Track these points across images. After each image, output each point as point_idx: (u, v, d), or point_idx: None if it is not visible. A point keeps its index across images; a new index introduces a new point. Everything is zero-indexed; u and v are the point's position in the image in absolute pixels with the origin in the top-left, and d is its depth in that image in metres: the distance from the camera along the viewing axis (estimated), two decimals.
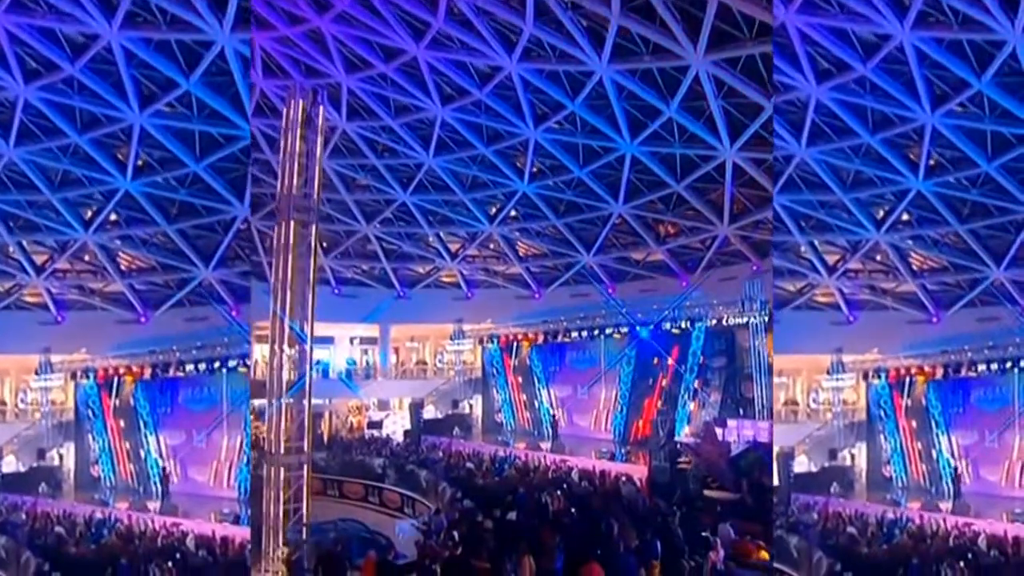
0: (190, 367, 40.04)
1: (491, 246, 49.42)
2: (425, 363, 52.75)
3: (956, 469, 39.73)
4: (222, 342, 39.62)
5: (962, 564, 25.98)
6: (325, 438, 48.62)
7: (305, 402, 30.68)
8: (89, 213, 40.83)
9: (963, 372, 40.71)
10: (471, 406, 51.36)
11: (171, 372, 40.42)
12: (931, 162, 36.32)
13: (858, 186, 38.87)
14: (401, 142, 41.72)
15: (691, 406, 44.39)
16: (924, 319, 43.93)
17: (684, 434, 42.44)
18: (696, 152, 38.84)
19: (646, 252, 47.40)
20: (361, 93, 38.93)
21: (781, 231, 41.32)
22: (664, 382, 45.30)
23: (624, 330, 46.12)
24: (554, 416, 48.08)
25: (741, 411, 42.18)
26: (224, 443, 39.55)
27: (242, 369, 39.23)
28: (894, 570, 27.21)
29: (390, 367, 52.48)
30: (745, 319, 42.42)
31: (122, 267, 43.93)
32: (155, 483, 40.29)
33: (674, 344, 44.71)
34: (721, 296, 43.68)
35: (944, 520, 32.96)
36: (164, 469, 39.65)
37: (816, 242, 42.73)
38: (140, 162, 37.49)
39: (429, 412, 50.62)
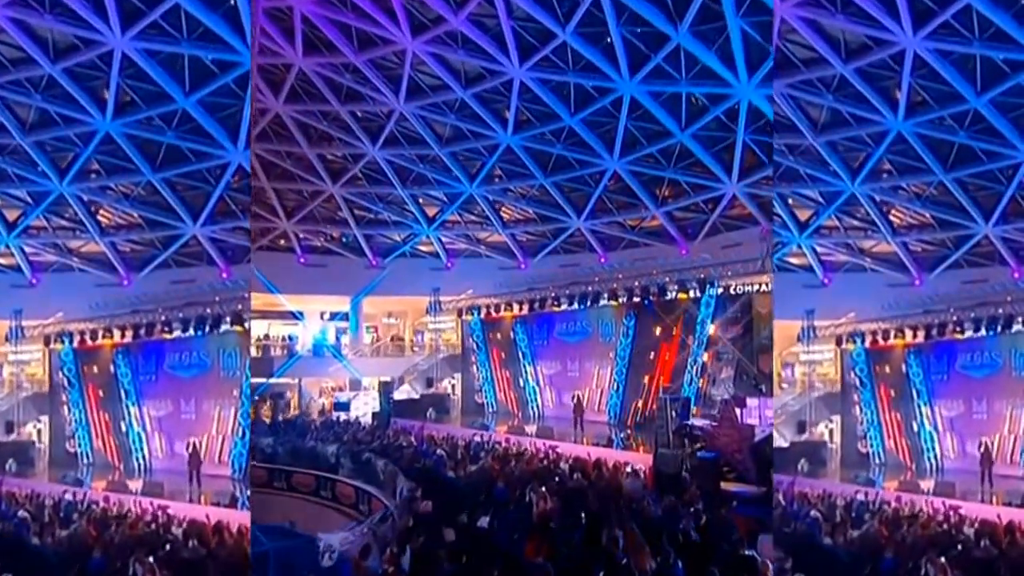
0: (177, 329, 36.37)
1: (472, 211, 44.74)
2: (401, 339, 48.79)
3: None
4: (213, 300, 36.06)
5: (944, 560, 21.33)
6: (280, 421, 44.62)
7: None
8: (65, 161, 36.10)
9: (947, 334, 36.43)
10: (452, 385, 47.26)
11: (156, 334, 36.75)
12: (912, 98, 31.79)
13: (831, 128, 34.31)
14: (367, 83, 37.21)
15: (700, 383, 39.54)
16: (906, 282, 39.14)
17: (692, 415, 36.86)
18: (706, 90, 34.39)
19: (642, 216, 42.57)
20: (318, 21, 34.57)
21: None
22: (668, 356, 40.82)
23: (621, 298, 41.51)
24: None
25: (763, 388, 37.31)
26: (217, 414, 36.06)
27: (237, 329, 35.51)
28: (860, 567, 22.84)
29: (362, 343, 48.07)
30: (763, 283, 37.44)
31: (102, 223, 39.43)
32: (138, 459, 37.18)
33: (679, 313, 40.51)
34: (734, 257, 38.80)
35: (927, 503, 29.13)
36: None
37: (785, 194, 38.10)
38: (121, 98, 33.08)
39: (405, 392, 46.61)
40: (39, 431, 38.45)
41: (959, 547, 22.82)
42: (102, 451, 37.57)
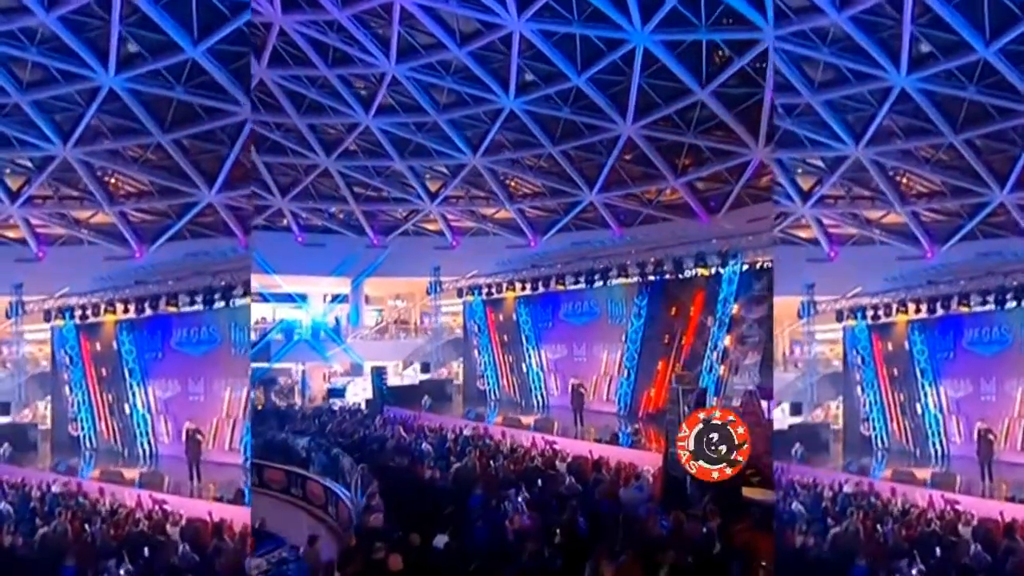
0: (184, 302, 33.62)
1: (479, 185, 42.29)
2: (406, 322, 47.16)
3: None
4: (224, 268, 33.89)
5: (916, 571, 19.06)
6: (273, 409, 42.69)
7: None
8: (68, 122, 34.17)
9: (953, 307, 33.68)
10: (459, 371, 45.16)
11: (161, 307, 33.97)
12: (916, 50, 29.96)
13: (830, 86, 32.43)
14: (355, 43, 34.78)
15: (720, 370, 35.58)
16: (917, 255, 37.36)
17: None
18: (729, 36, 32.07)
19: (661, 188, 40.02)
20: None
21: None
22: (684, 339, 37.18)
23: (633, 275, 38.27)
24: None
25: None
26: (227, 395, 33.64)
27: (250, 301, 33.98)
28: (828, 573, 20.33)
29: (363, 326, 46.53)
30: None
31: (111, 191, 37.72)
32: (142, 444, 34.43)
33: (698, 290, 37.00)
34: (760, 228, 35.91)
35: (923, 496, 26.38)
36: None
37: (784, 160, 36.06)
38: (125, 49, 31.63)
39: (405, 377, 45.20)
40: (42, 413, 36.84)
41: (940, 552, 20.36)
42: (105, 435, 35.30)
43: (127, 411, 34.83)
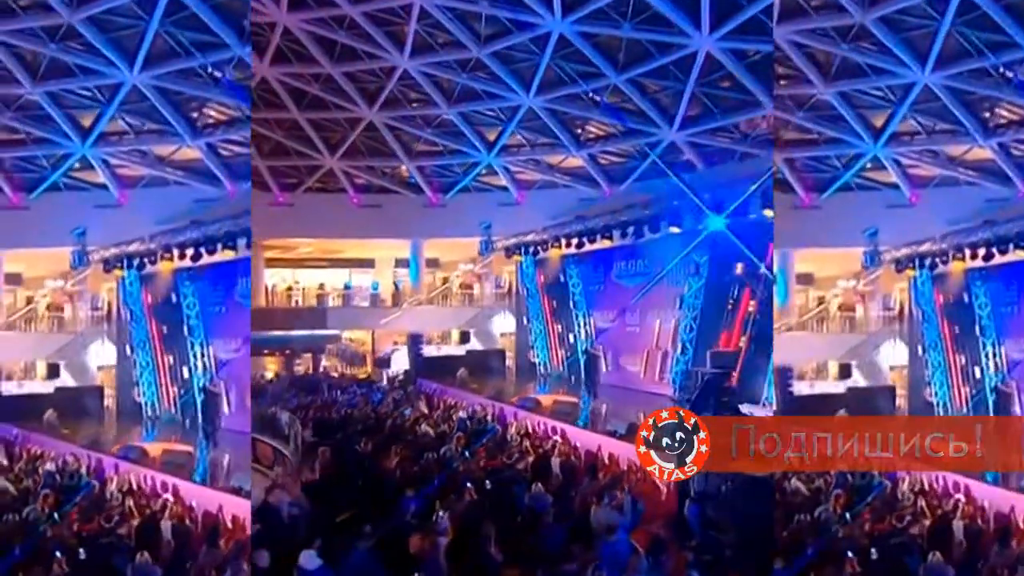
0: (243, 246, 31.13)
1: (540, 131, 38.94)
2: (471, 287, 45.43)
3: None
4: None
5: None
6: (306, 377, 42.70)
7: None
8: (131, 42, 31.24)
9: (1011, 252, 31.03)
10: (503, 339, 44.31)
11: (219, 252, 31.57)
12: None
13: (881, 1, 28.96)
14: None
15: None
16: (1007, 195, 33.72)
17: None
18: None
19: (757, 115, 35.06)
20: None
21: (797, 80, 32.07)
22: (752, 304, 31.85)
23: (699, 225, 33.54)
24: (588, 353, 37.33)
25: None
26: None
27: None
28: None
29: (423, 291, 44.87)
30: None
31: (195, 123, 34.75)
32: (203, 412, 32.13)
33: (770, 241, 31.51)
34: None
35: (938, 480, 23.64)
36: None
37: (847, 92, 32.92)
38: None
39: (449, 348, 44.42)
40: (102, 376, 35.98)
41: (876, 557, 18.41)
42: (165, 402, 33.55)
43: (187, 375, 32.99)
